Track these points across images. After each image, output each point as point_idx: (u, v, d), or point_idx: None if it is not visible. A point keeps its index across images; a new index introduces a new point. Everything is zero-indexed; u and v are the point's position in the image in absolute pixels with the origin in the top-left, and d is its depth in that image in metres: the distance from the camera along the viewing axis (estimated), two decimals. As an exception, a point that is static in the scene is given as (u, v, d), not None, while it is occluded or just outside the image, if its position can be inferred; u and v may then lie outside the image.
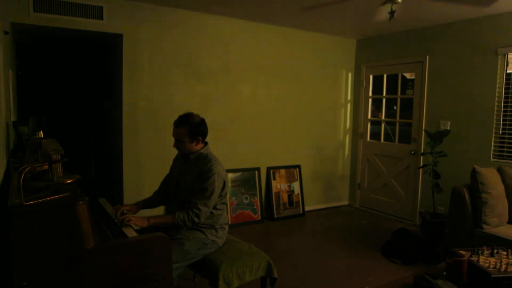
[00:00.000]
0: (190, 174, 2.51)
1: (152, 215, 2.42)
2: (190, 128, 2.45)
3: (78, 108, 5.98)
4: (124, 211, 2.35)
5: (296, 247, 4.13)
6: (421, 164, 4.75)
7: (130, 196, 4.07)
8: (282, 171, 5.19)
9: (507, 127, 4.05)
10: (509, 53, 3.99)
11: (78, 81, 5.94)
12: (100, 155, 5.84)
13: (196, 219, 2.36)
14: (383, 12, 3.85)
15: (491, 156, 4.13)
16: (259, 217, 4.89)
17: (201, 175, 2.44)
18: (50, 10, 3.55)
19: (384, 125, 5.42)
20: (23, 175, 1.57)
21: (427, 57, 4.72)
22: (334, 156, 5.72)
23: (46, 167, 1.75)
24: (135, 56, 4.07)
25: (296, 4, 3.90)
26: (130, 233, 1.98)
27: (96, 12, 3.78)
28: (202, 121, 2.53)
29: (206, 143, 2.59)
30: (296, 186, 5.27)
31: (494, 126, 4.10)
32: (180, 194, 2.53)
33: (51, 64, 5.76)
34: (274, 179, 5.10)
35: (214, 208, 2.49)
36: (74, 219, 1.60)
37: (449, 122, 4.51)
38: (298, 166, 5.33)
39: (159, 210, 3.26)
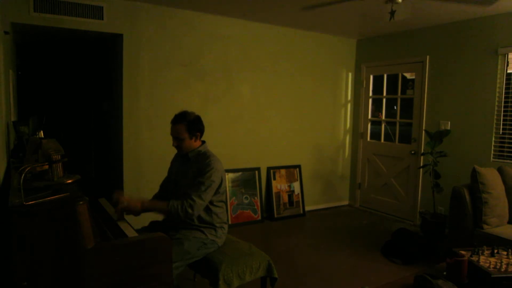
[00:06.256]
0: (189, 171, 2.52)
1: (147, 199, 2.43)
2: (188, 123, 2.50)
3: (78, 108, 5.98)
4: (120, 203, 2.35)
5: (296, 247, 4.13)
6: (421, 164, 4.75)
7: (130, 196, 4.05)
8: (282, 171, 5.19)
9: (507, 127, 4.05)
10: (509, 53, 3.99)
11: (78, 81, 5.94)
12: (100, 155, 5.84)
13: (189, 210, 2.35)
14: (383, 12, 3.84)
15: (491, 156, 4.12)
16: (259, 217, 4.89)
17: (199, 170, 2.46)
18: (50, 10, 3.55)
19: (384, 125, 5.41)
20: (23, 175, 1.57)
21: (427, 57, 4.72)
22: (334, 156, 5.72)
23: (46, 167, 1.75)
24: (135, 56, 4.07)
25: (297, 3, 3.90)
26: (130, 233, 1.98)
27: (96, 12, 3.78)
28: (198, 117, 2.58)
29: (203, 142, 2.62)
30: (296, 186, 5.27)
31: (494, 126, 4.10)
32: (180, 193, 2.53)
33: (51, 64, 5.76)
34: (274, 179, 5.10)
35: (212, 204, 2.50)
36: (74, 219, 1.60)
37: (449, 122, 4.51)
38: (298, 166, 5.33)
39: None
